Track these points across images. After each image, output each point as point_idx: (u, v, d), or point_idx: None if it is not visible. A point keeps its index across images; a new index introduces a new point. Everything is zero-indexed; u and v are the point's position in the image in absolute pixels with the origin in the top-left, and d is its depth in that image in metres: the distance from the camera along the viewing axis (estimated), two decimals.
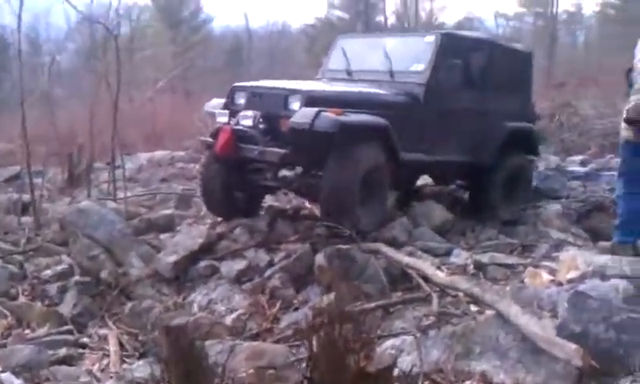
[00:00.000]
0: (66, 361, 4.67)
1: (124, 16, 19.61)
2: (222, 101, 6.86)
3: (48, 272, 6.04)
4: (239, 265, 5.88)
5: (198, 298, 5.47)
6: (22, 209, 8.01)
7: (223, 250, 6.24)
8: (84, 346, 4.97)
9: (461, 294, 5.13)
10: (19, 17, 7.72)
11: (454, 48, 7.12)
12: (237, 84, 7.04)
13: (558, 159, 10.92)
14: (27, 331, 5.15)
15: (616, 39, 25.67)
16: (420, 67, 6.95)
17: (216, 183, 6.85)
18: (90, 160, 9.67)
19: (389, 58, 7.05)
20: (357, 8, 23.49)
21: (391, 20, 32.02)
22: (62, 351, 4.76)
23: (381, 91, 6.81)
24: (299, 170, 6.65)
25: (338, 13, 36.99)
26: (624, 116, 5.28)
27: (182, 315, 4.89)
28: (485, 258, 5.87)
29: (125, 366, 4.56)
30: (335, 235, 5.87)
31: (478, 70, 7.40)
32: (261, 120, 6.26)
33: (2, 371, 4.31)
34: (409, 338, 4.18)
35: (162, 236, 6.83)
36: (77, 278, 5.76)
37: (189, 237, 6.26)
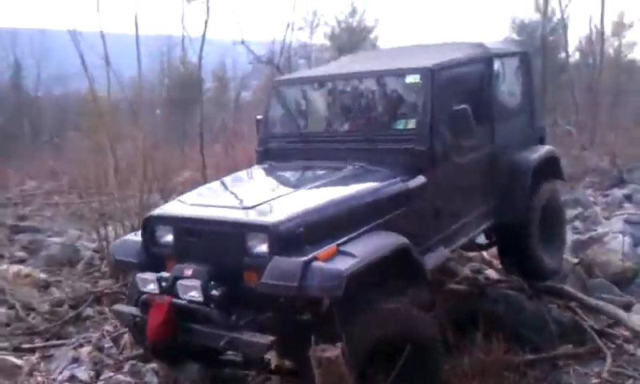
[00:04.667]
0: (235, 380, 4.88)
1: (303, 55, 20.46)
2: (137, 239, 4.45)
3: None
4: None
5: None
6: None
7: None
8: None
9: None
10: (200, 57, 8.28)
11: (449, 81, 4.93)
12: (156, 213, 4.45)
13: None
14: None
15: None
16: (410, 125, 4.79)
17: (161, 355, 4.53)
18: None
19: (359, 113, 5.00)
20: (534, 45, 22.62)
21: (574, 58, 30.61)
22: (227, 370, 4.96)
23: (373, 184, 4.45)
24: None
25: None
26: None
27: None
28: None
29: None
30: (505, 281, 5.63)
31: (478, 97, 5.36)
32: (212, 284, 3.83)
33: None
34: None
35: None
36: None
37: None
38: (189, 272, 3.92)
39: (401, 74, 4.91)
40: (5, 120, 26.47)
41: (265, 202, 4.13)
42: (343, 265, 3.56)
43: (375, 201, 4.28)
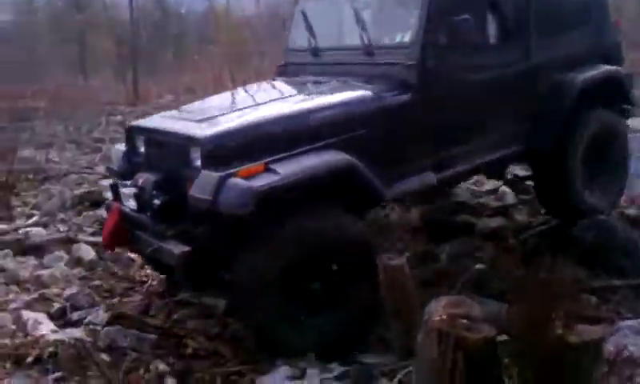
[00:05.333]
0: None
1: None
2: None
3: None
4: (495, 222, 5.86)
5: (447, 248, 5.55)
6: None
7: (482, 206, 6.27)
8: None
9: None
10: None
11: None
12: (134, 123, 4.65)
13: None
14: None
15: None
16: (406, 38, 4.44)
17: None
18: None
19: (363, 25, 4.57)
20: None
21: None
22: None
23: (340, 99, 4.25)
24: None
25: None
26: None
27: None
28: None
29: None
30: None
31: (507, 7, 4.87)
32: (154, 193, 3.84)
33: None
34: None
35: None
36: None
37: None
38: (141, 181, 3.96)
39: None
40: (150, 36, 27.90)
41: (219, 116, 4.09)
42: (259, 182, 3.47)
43: (335, 116, 4.07)
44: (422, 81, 4.31)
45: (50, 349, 3.79)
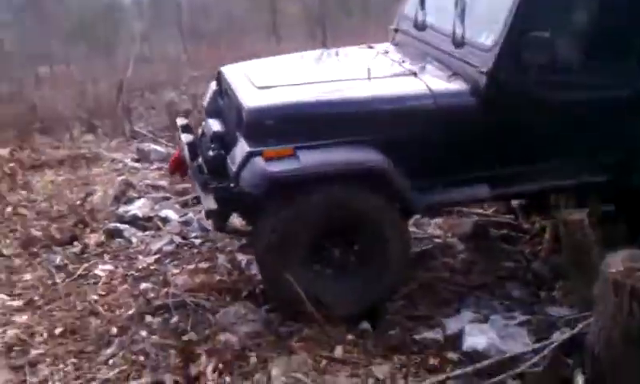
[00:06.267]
0: (506, 239, 5.39)
1: None
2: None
3: None
4: None
5: None
6: None
7: None
8: (524, 231, 5.54)
9: None
10: None
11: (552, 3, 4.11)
12: (222, 68, 4.75)
13: None
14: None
15: None
16: (489, 40, 4.03)
17: None
18: None
19: (461, 11, 4.14)
20: None
21: None
22: (504, 231, 5.49)
23: (399, 90, 4.10)
24: None
25: None
26: None
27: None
28: None
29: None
30: None
31: (618, 21, 4.16)
32: (211, 144, 4.14)
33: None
34: None
35: None
36: None
37: None
38: (205, 129, 4.51)
39: None
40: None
41: (275, 87, 4.14)
42: (276, 167, 3.60)
43: (387, 111, 3.97)
44: (493, 90, 4.00)
45: (261, 285, 4.38)
